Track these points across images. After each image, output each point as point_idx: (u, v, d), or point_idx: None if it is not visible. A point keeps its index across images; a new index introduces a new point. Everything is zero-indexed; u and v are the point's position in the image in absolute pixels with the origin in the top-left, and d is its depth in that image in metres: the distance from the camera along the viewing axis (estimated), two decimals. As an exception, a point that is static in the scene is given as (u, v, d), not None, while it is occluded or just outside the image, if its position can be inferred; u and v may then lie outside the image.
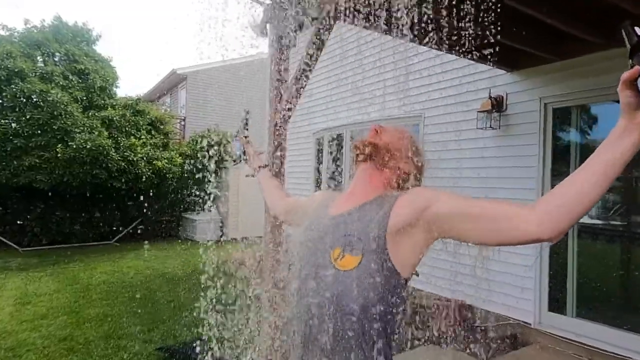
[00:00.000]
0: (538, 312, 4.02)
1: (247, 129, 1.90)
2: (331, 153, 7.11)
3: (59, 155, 7.89)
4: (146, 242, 9.17)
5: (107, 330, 4.24)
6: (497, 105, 4.26)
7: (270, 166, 2.16)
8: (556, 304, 3.96)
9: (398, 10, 1.93)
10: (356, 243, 1.03)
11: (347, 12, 2.41)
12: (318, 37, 2.45)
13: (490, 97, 4.28)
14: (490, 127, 4.30)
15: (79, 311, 4.82)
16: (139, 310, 4.80)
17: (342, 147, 6.84)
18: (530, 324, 4.04)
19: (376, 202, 1.10)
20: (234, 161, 1.89)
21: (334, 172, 6.98)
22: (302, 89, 2.42)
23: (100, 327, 4.30)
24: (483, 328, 4.24)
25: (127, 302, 5.19)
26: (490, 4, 2.55)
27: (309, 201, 1.43)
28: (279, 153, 2.28)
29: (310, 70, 2.38)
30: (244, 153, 1.86)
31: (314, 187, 7.50)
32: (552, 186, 3.99)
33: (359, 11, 2.40)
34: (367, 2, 2.16)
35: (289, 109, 2.27)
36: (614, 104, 3.72)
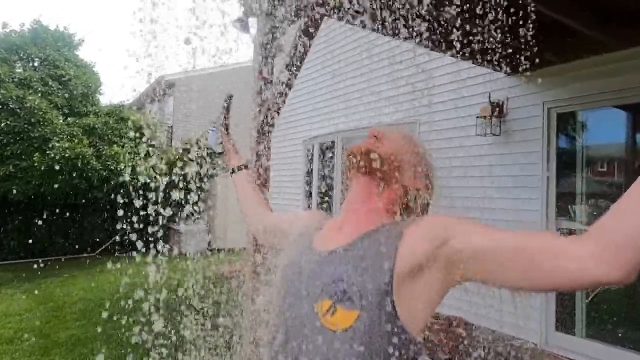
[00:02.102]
0: (544, 331, 3.75)
1: (227, 118, 1.53)
2: (322, 163, 6.83)
3: (36, 164, 7.49)
4: (129, 253, 8.75)
5: (77, 356, 3.88)
6: (498, 110, 4.03)
7: (251, 167, 1.81)
8: (564, 323, 3.69)
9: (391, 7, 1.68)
10: (352, 293, 0.74)
11: (334, 7, 2.15)
12: (305, 32, 2.18)
13: (490, 102, 4.05)
14: (490, 133, 4.06)
15: (49, 334, 4.43)
16: (115, 332, 4.43)
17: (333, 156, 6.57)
18: (536, 344, 3.77)
19: (378, 234, 0.83)
20: (209, 155, 1.53)
21: (325, 185, 6.69)
22: (288, 89, 2.14)
23: (70, 353, 3.93)
24: (484, 348, 3.96)
25: (102, 322, 4.81)
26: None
27: (292, 221, 1.13)
28: (261, 153, 1.99)
29: (297, 68, 2.11)
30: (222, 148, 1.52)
31: (305, 202, 7.18)
32: (557, 196, 3.77)
33: (348, 8, 2.14)
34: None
35: (271, 108, 1.99)
36: (623, 109, 3.50)
